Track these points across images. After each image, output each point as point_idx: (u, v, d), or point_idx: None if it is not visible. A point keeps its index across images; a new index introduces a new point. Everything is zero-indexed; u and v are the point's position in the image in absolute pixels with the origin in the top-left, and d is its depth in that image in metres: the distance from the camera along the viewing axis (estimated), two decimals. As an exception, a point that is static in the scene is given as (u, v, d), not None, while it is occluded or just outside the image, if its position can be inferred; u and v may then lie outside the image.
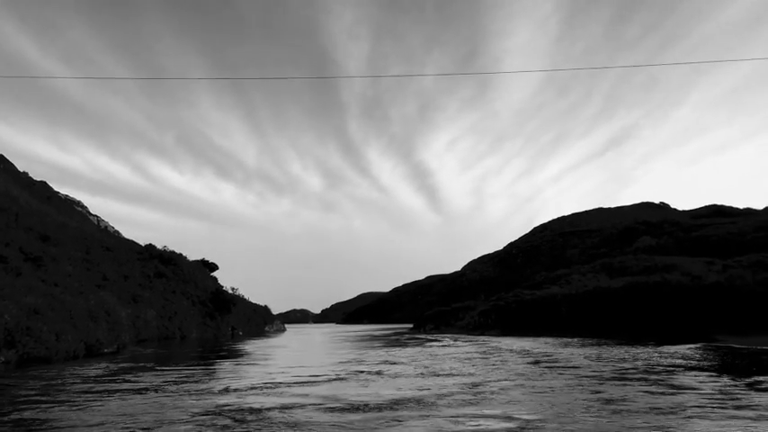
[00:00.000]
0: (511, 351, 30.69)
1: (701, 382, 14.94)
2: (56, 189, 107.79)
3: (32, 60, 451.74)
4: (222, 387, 15.22)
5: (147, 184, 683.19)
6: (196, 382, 16.69)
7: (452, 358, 25.63)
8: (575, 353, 28.18)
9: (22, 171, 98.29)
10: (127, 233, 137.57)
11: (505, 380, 16.22)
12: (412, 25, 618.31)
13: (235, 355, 33.11)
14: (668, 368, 19.18)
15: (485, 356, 26.86)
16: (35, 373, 21.28)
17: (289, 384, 15.76)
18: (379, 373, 18.58)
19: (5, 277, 41.15)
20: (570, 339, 42.58)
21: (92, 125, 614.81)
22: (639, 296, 50.06)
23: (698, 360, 22.48)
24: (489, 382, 15.72)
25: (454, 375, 17.48)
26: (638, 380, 15.85)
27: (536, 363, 22.51)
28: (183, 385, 15.65)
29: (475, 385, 15.01)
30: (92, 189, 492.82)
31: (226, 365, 23.70)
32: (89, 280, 58.09)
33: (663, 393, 13.04)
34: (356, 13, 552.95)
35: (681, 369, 18.83)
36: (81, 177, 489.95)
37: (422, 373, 18.29)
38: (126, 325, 44.31)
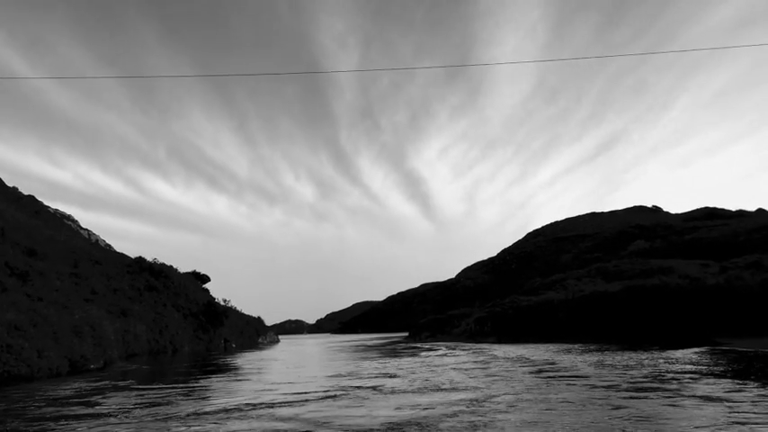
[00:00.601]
0: (511, 360, 29.12)
1: (727, 392, 13.41)
2: (47, 204, 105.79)
3: (21, 75, 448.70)
4: (199, 410, 13.51)
5: (139, 197, 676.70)
6: (171, 403, 14.97)
7: (452, 369, 24.01)
8: (577, 360, 26.66)
9: (11, 186, 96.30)
10: (120, 247, 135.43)
11: (512, 393, 14.64)
12: (401, 34, 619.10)
13: (223, 369, 31.38)
14: (681, 375, 17.66)
15: (485, 366, 25.29)
16: (5, 394, 19.53)
17: (274, 404, 14.08)
18: (374, 388, 16.87)
19: (-13, 293, 39.32)
20: (570, 345, 41.07)
21: (84, 140, 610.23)
22: (638, 300, 48.76)
23: (708, 365, 20.99)
24: (496, 396, 14.12)
25: (457, 390, 15.83)
26: (656, 390, 14.32)
27: (540, 372, 20.95)
28: (154, 408, 13.94)
29: (481, 401, 13.41)
30: (84, 204, 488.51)
31: (210, 382, 21.93)
32: (77, 294, 56.20)
33: (694, 407, 11.48)
34: (346, 23, 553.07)
35: (696, 376, 17.32)
36: (73, 192, 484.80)
37: (421, 388, 16.63)
38: (113, 340, 42.45)
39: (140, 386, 20.51)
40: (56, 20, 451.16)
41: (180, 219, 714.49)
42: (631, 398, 13.12)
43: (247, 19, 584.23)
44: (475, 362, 28.10)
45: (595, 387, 15.45)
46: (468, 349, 44.23)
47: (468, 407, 12.56)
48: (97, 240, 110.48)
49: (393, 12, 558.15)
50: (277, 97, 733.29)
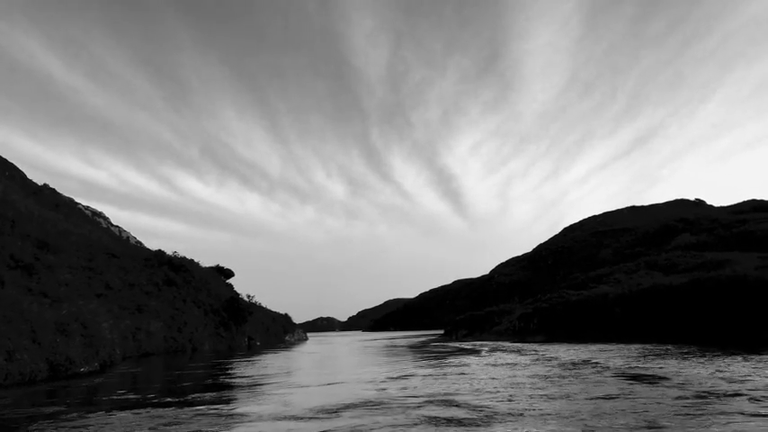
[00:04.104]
0: (591, 369, 21.19)
1: None
2: (78, 201, 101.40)
3: (58, 76, 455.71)
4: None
5: (173, 196, 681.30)
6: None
7: (530, 385, 16.25)
8: (684, 368, 18.61)
9: (42, 184, 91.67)
10: (152, 245, 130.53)
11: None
12: (431, 29, 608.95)
13: (225, 383, 24.38)
14: None
15: (564, 377, 17.55)
16: None
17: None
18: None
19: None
20: (640, 346, 32.99)
21: (119, 139, 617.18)
22: (709, 294, 40.47)
23: None
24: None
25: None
26: None
27: (682, 400, 13.13)
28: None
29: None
30: (120, 203, 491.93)
31: (185, 415, 14.65)
32: (89, 289, 50.20)
33: None
34: (375, 20, 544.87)
35: None
36: (109, 191, 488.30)
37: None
38: (110, 339, 35.90)
39: (63, 416, 13.16)
40: (90, 20, 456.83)
41: (212, 217, 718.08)
42: None
43: (278, 16, 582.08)
44: (548, 374, 20.08)
45: None
46: (520, 351, 36.25)
47: None
48: (128, 237, 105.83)
49: (423, 7, 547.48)
50: (307, 95, 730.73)
